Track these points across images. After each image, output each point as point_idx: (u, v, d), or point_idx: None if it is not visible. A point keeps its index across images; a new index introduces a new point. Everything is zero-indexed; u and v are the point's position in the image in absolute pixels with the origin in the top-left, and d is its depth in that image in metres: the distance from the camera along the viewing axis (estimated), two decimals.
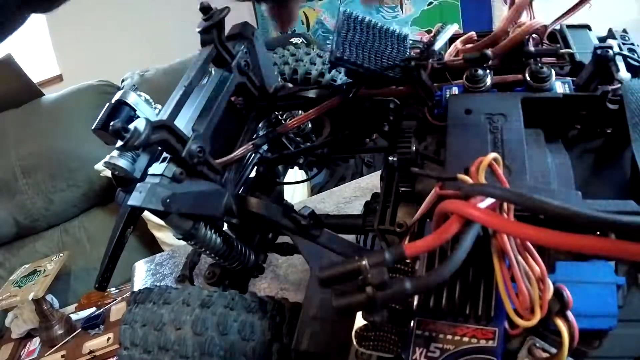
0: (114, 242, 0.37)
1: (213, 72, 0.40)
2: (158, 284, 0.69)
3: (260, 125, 0.45)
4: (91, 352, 1.32)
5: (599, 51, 0.31)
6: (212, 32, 0.38)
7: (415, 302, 0.25)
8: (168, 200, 0.32)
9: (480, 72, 0.33)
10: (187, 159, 0.33)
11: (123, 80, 1.69)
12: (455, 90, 0.34)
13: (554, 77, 0.32)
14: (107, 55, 2.02)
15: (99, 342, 1.36)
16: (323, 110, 0.39)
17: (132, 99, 0.34)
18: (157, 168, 0.33)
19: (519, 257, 0.22)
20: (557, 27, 0.39)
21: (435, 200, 0.26)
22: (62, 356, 1.34)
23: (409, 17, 2.02)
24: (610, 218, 0.17)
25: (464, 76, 0.34)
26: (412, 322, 0.24)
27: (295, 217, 0.36)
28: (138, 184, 0.32)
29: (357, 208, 0.70)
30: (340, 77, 0.61)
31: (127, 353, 0.34)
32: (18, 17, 0.34)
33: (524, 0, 0.36)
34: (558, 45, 0.38)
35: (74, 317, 1.48)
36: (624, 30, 0.38)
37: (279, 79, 0.48)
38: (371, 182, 0.81)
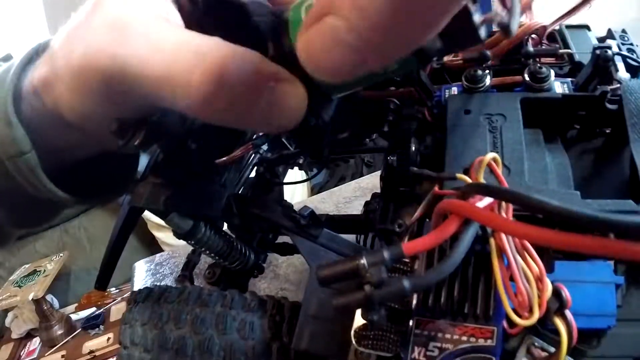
0: (114, 242, 0.38)
1: None
2: (158, 283, 0.69)
3: None
4: (91, 352, 1.32)
5: (598, 51, 0.31)
6: None
7: (414, 301, 0.25)
8: (168, 200, 0.32)
9: (479, 72, 0.33)
10: (187, 159, 0.33)
11: None
12: (454, 90, 0.34)
13: (553, 77, 0.32)
14: None
15: (99, 342, 1.36)
16: None
17: None
18: (157, 168, 0.33)
19: (518, 257, 0.22)
20: (557, 27, 0.39)
21: (434, 200, 0.26)
22: (62, 356, 1.35)
23: None
24: (609, 217, 0.17)
25: (463, 76, 0.34)
26: (411, 321, 0.24)
27: (295, 217, 0.36)
28: (138, 184, 0.32)
29: (357, 208, 0.70)
30: None
31: (127, 352, 0.34)
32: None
33: (525, 2, 0.37)
34: (557, 45, 0.38)
35: (74, 317, 1.48)
36: (623, 31, 0.38)
37: None
38: (371, 182, 0.81)
